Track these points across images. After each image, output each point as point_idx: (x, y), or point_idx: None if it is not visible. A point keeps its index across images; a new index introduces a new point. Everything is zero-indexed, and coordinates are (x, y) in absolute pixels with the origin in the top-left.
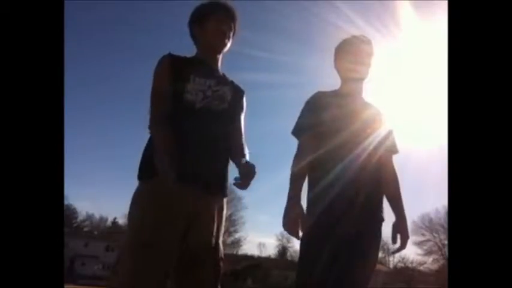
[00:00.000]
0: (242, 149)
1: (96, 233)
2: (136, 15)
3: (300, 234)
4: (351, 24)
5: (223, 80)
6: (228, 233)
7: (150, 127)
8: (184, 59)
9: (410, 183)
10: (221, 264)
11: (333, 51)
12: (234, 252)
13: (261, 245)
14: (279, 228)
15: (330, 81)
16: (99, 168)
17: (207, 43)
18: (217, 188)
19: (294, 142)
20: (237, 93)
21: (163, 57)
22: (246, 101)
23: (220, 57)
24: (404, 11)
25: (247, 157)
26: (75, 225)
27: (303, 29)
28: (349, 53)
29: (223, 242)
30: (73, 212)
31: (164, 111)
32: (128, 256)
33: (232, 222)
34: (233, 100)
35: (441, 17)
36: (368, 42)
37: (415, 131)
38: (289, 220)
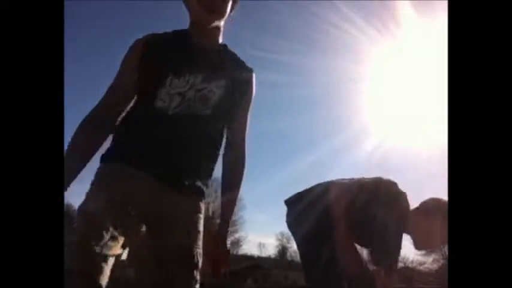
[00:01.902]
0: (238, 162)
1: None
2: (137, 15)
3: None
4: (351, 24)
5: (214, 69)
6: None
7: (81, 123)
8: (166, 43)
9: (411, 183)
10: (196, 275)
11: (333, 51)
12: (234, 252)
13: (261, 245)
14: (279, 228)
15: (330, 81)
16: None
17: (196, 13)
18: (187, 187)
19: (294, 142)
20: (239, 83)
21: (138, 41)
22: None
23: (219, 24)
24: (404, 11)
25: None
26: (75, 225)
27: (303, 29)
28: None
29: None
30: (73, 212)
31: (103, 116)
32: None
33: (232, 222)
34: (225, 98)
35: (441, 17)
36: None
37: (415, 130)
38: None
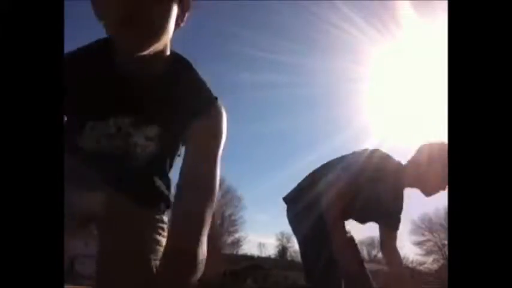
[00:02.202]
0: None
1: (96, 232)
2: None
3: None
4: (351, 24)
5: (151, 110)
6: (228, 233)
7: None
8: (84, 71)
9: None
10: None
11: (333, 51)
12: (234, 252)
13: (261, 245)
14: (279, 228)
15: (330, 81)
16: None
17: (115, 40)
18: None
19: (294, 142)
20: (187, 128)
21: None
22: (244, 100)
23: (165, 43)
24: (404, 11)
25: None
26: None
27: (303, 29)
28: None
29: (223, 242)
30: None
31: None
32: None
33: (232, 222)
34: (161, 154)
35: (441, 17)
36: None
37: (415, 130)
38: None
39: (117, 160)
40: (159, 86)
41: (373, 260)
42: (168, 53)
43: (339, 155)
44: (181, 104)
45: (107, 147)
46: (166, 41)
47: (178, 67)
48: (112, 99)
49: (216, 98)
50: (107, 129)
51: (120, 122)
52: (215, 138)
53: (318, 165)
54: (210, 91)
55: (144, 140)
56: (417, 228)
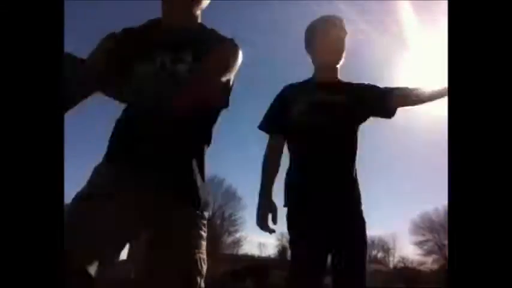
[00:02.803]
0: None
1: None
2: (137, 15)
3: (273, 228)
4: (351, 24)
5: (186, 47)
6: (228, 233)
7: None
8: (135, 34)
9: (411, 182)
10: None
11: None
12: (234, 252)
13: (261, 245)
14: (279, 228)
15: None
16: None
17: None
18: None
19: None
20: (213, 55)
21: (108, 36)
22: (244, 99)
23: (193, 13)
24: (404, 11)
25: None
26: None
27: (303, 29)
28: (322, 37)
29: (223, 242)
30: None
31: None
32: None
33: (232, 222)
34: (196, 71)
35: (441, 17)
36: (340, 24)
37: (415, 130)
38: (262, 216)
39: (157, 100)
40: (190, 32)
41: (373, 260)
42: (199, 20)
43: None
44: (208, 44)
45: (149, 86)
46: (198, 12)
47: (206, 28)
48: (157, 43)
49: (233, 39)
50: (150, 67)
51: (163, 58)
52: (229, 58)
53: None
54: (229, 38)
55: (184, 65)
56: (417, 228)
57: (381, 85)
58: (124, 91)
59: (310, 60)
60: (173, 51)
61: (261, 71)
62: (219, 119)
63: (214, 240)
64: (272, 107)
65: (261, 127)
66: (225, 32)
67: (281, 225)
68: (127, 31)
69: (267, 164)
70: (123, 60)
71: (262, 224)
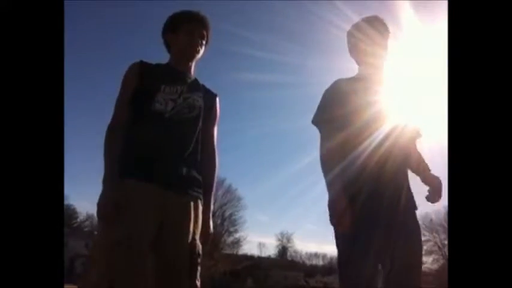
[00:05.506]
0: (210, 158)
1: (96, 233)
2: (137, 15)
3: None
4: (351, 25)
5: (194, 86)
6: (228, 233)
7: (107, 131)
8: (156, 66)
9: (410, 183)
10: (198, 271)
11: (333, 51)
12: (234, 252)
13: (261, 245)
14: (279, 228)
15: (330, 81)
16: (99, 168)
17: (180, 51)
18: (184, 189)
19: (294, 142)
20: (209, 99)
21: (134, 64)
22: (244, 100)
23: (193, 64)
24: (404, 11)
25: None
26: (75, 225)
27: (303, 29)
28: (365, 36)
29: (223, 242)
30: (73, 212)
31: (123, 120)
32: (100, 255)
33: (232, 222)
34: (204, 107)
35: (441, 17)
36: (383, 23)
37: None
38: (339, 213)
39: (179, 122)
40: (194, 78)
41: None
42: (194, 63)
43: None
44: (203, 89)
45: (172, 110)
46: (198, 57)
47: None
48: (174, 77)
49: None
50: (173, 91)
51: (181, 88)
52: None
53: (319, 165)
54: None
55: (197, 97)
56: None
57: (381, 85)
58: (144, 110)
59: (310, 61)
60: (187, 85)
61: (260, 72)
62: (219, 120)
63: (214, 240)
64: (326, 101)
65: (316, 122)
66: (224, 31)
67: (281, 225)
68: (146, 63)
69: (335, 160)
70: (150, 78)
71: (343, 223)
